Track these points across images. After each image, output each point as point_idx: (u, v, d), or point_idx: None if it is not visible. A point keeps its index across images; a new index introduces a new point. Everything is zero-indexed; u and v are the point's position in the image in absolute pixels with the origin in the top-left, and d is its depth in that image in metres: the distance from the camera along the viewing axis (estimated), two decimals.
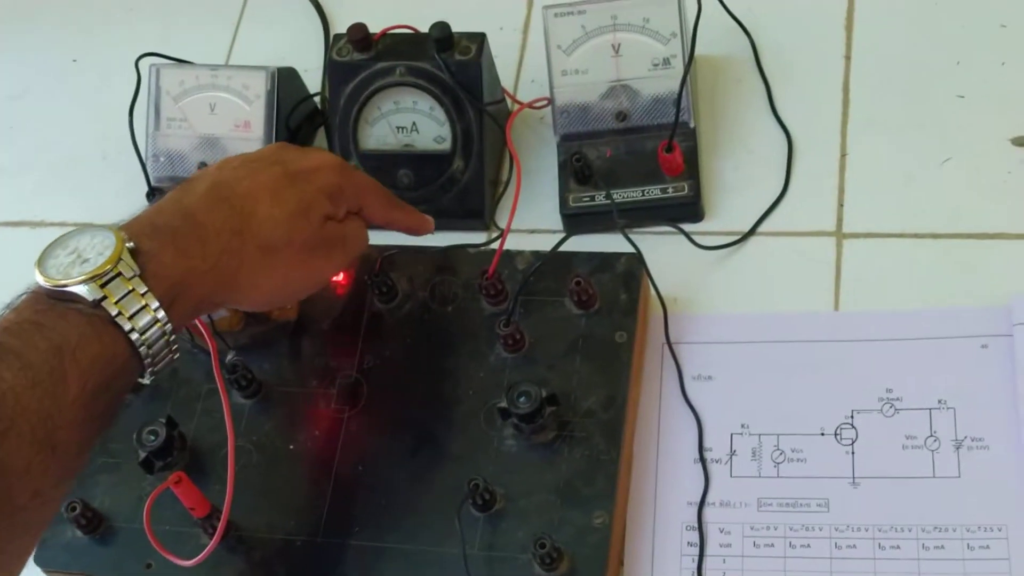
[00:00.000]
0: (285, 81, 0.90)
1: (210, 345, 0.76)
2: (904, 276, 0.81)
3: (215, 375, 0.75)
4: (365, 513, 0.75)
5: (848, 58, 0.89)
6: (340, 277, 0.82)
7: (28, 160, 1.00)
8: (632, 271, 0.80)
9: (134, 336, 0.61)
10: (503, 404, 0.75)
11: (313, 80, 0.95)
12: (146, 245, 0.63)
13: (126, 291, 0.61)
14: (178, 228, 0.65)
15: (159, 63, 0.91)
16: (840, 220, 0.84)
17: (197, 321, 0.76)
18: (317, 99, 0.95)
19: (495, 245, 0.80)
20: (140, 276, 0.61)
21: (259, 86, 0.88)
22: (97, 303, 0.60)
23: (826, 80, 0.89)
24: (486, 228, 0.88)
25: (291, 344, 0.81)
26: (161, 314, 0.62)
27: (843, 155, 0.86)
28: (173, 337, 0.63)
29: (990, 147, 0.84)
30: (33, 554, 0.77)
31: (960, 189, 0.83)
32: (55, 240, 0.63)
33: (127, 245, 0.62)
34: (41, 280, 0.61)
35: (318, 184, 0.71)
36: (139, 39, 0.98)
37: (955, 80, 0.87)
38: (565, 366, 0.78)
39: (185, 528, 0.75)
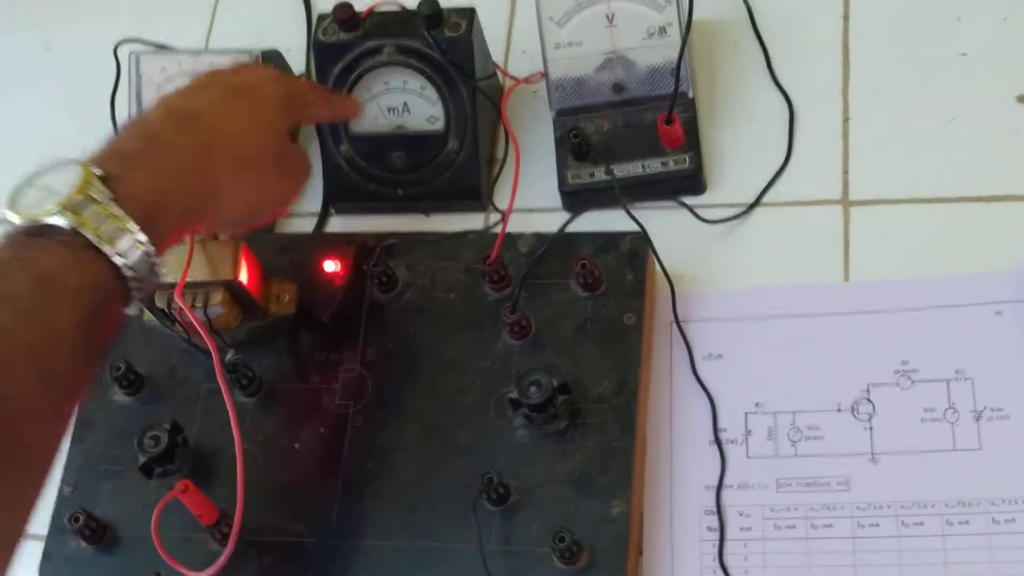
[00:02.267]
0: (269, 63, 0.87)
1: (209, 344, 0.74)
2: (914, 243, 0.79)
3: (217, 375, 0.73)
4: (376, 511, 0.74)
5: (846, 18, 0.87)
6: (337, 268, 0.80)
7: (3, 156, 0.97)
8: (637, 250, 0.78)
9: (117, 260, 0.59)
10: (514, 394, 0.73)
11: (296, 60, 0.92)
12: (115, 170, 0.61)
13: (102, 216, 0.59)
14: (145, 150, 0.64)
15: (139, 50, 0.88)
16: (846, 187, 0.82)
17: (193, 319, 0.74)
18: None
19: (495, 228, 0.78)
20: (114, 199, 0.60)
21: None
22: (75, 231, 0.59)
23: (825, 42, 0.86)
24: (483, 208, 0.86)
25: (290, 339, 0.79)
26: (141, 236, 0.60)
27: (846, 120, 0.84)
28: (157, 260, 0.61)
29: (996, 105, 0.82)
30: (39, 567, 0.75)
31: (967, 150, 0.81)
32: (20, 181, 0.62)
33: (96, 172, 0.60)
34: (15, 219, 0.60)
35: (266, 96, 0.71)
36: (113, 22, 0.95)
37: (957, 37, 0.85)
38: (574, 351, 0.76)
39: (194, 534, 0.73)
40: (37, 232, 0.59)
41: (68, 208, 0.59)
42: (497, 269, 0.77)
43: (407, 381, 0.77)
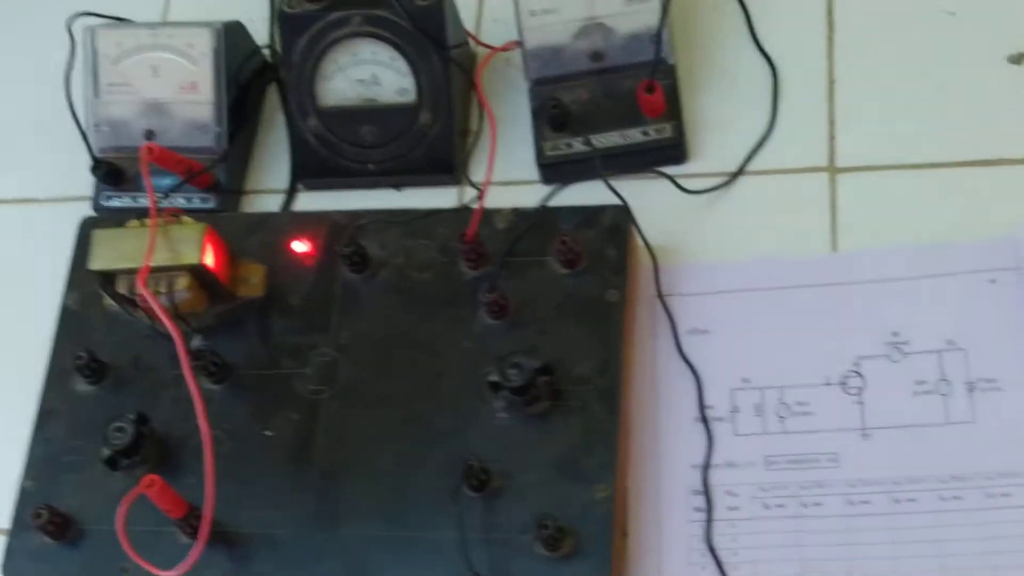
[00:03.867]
0: (231, 36, 0.84)
1: (172, 332, 0.71)
2: (903, 211, 0.77)
3: (181, 364, 0.70)
4: (353, 499, 0.71)
5: None
6: (307, 248, 0.77)
7: None
8: (619, 224, 0.75)
9: None
10: (494, 377, 0.70)
11: (259, 32, 0.89)
12: None
13: None
14: None
15: (93, 24, 0.84)
16: (833, 154, 0.79)
17: (156, 306, 0.71)
18: (267, 51, 0.89)
19: (471, 203, 0.75)
20: None
21: (204, 44, 0.82)
22: None
23: (808, 3, 0.84)
24: (458, 183, 0.83)
25: (259, 323, 0.76)
26: None
27: (831, 83, 0.81)
28: None
29: (986, 66, 0.80)
30: (2, 566, 0.72)
31: (957, 114, 0.79)
32: None
33: None
34: None
35: None
36: None
37: None
38: (554, 331, 0.73)
39: (161, 528, 0.71)
40: None
41: None
42: (474, 247, 0.74)
43: (382, 365, 0.74)
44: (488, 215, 0.76)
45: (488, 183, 0.74)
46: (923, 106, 0.79)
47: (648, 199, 0.79)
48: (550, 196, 0.74)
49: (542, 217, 0.76)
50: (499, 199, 0.78)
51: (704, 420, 0.73)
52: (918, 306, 0.73)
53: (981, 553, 0.67)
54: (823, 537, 0.69)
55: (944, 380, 0.71)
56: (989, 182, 0.76)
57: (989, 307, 0.72)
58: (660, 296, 0.76)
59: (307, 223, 0.78)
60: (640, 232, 0.76)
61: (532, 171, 0.82)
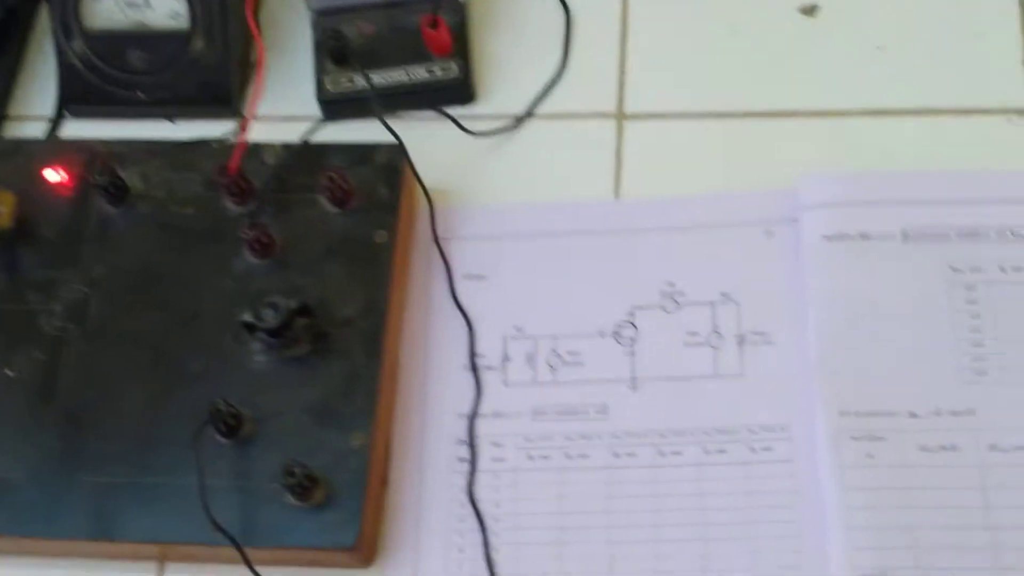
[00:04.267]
0: None
1: None
2: (689, 160, 0.75)
3: None
4: (96, 444, 0.67)
5: None
6: (62, 177, 0.72)
7: None
8: (393, 163, 0.72)
9: None
10: (248, 318, 0.67)
11: None
12: None
13: None
14: None
15: None
16: (621, 100, 0.78)
17: None
18: None
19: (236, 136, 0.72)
20: None
21: None
22: None
23: None
24: (235, 115, 0.79)
25: (5, 255, 0.71)
26: None
27: (624, 29, 0.79)
28: None
29: (777, 17, 0.79)
30: None
31: (747, 64, 0.78)
32: None
33: None
34: None
35: None
36: None
37: None
38: (320, 271, 0.70)
39: None
40: None
41: None
42: (237, 181, 0.71)
43: (136, 302, 0.70)
44: (257, 149, 0.72)
45: (252, 114, 0.71)
46: (713, 55, 0.78)
47: (431, 140, 0.76)
48: (313, 130, 0.71)
49: (313, 153, 0.72)
50: (279, 135, 0.75)
51: (474, 368, 0.71)
52: (695, 257, 0.72)
53: (743, 507, 0.66)
54: (586, 489, 0.68)
55: (716, 332, 0.70)
56: (774, 134, 0.75)
57: (764, 260, 0.72)
58: (436, 240, 0.74)
59: (64, 151, 0.74)
60: (416, 173, 0.73)
61: (316, 108, 0.78)
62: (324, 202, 0.71)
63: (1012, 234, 0.70)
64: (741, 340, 0.70)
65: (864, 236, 0.70)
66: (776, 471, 0.67)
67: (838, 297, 0.69)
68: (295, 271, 0.70)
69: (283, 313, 0.66)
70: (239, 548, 0.63)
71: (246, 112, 0.78)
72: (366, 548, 0.66)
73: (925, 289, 0.69)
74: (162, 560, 0.68)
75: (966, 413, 0.66)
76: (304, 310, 0.67)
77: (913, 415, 0.67)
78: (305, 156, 0.72)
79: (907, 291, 0.69)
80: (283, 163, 0.72)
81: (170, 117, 0.79)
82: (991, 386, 0.67)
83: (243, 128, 0.70)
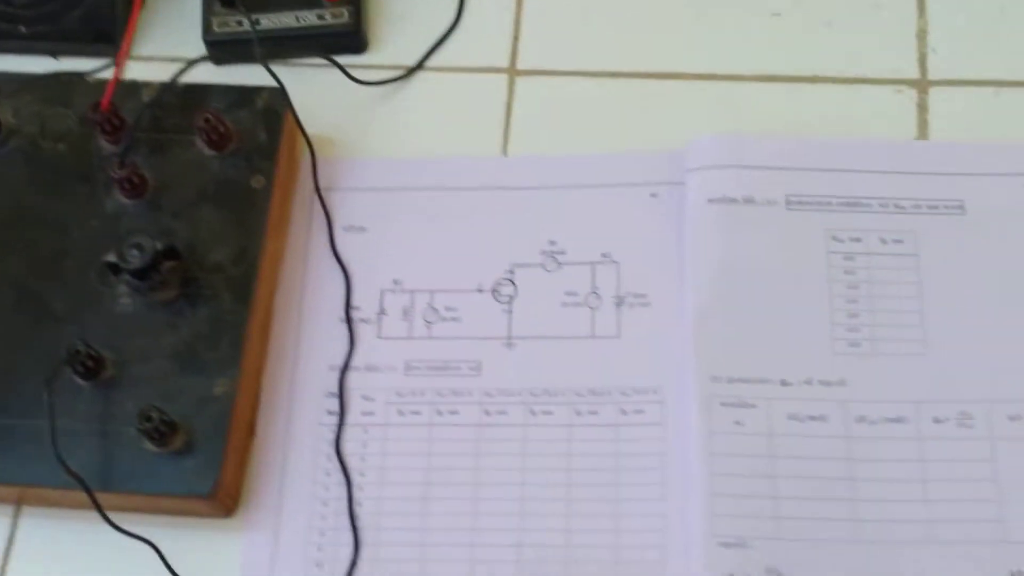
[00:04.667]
0: None
1: None
2: (579, 119, 0.75)
3: None
4: None
5: None
6: None
7: None
8: (274, 108, 0.71)
9: None
10: (111, 258, 0.65)
11: None
12: None
13: None
14: None
15: None
16: (514, 56, 0.76)
17: None
18: None
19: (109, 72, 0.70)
20: None
21: None
22: None
23: None
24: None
25: None
26: None
27: None
28: None
29: None
30: None
31: (642, 25, 0.77)
32: None
33: None
34: None
35: None
36: None
37: None
38: (193, 215, 0.68)
39: None
40: None
41: None
42: (110, 118, 0.69)
43: (2, 239, 0.68)
44: (135, 87, 0.71)
45: (126, 50, 0.69)
46: (608, 15, 0.77)
47: (320, 89, 0.75)
48: (184, 71, 0.69)
49: (192, 94, 0.71)
50: (165, 75, 0.73)
51: (348, 321, 0.70)
52: (579, 217, 0.71)
53: (610, 469, 0.66)
54: (454, 446, 0.67)
55: (594, 293, 0.70)
56: (664, 95, 0.75)
57: (647, 221, 0.71)
58: (318, 189, 0.72)
59: None
60: (298, 120, 0.72)
61: (205, 50, 0.76)
62: (200, 144, 0.70)
63: (895, 205, 0.70)
64: (619, 302, 0.69)
65: (748, 200, 0.70)
66: (645, 434, 0.66)
67: (718, 261, 0.68)
68: (167, 213, 0.69)
69: (148, 254, 0.65)
70: (88, 491, 0.61)
71: (144, 52, 0.76)
72: (226, 498, 0.65)
73: (805, 257, 0.69)
74: (19, 503, 0.67)
75: (837, 384, 0.66)
76: (172, 252, 0.66)
77: (785, 383, 0.66)
78: (184, 97, 0.70)
79: (787, 258, 0.69)
80: (159, 102, 0.70)
81: (53, 53, 0.77)
82: (863, 357, 0.67)
83: (118, 64, 0.68)
